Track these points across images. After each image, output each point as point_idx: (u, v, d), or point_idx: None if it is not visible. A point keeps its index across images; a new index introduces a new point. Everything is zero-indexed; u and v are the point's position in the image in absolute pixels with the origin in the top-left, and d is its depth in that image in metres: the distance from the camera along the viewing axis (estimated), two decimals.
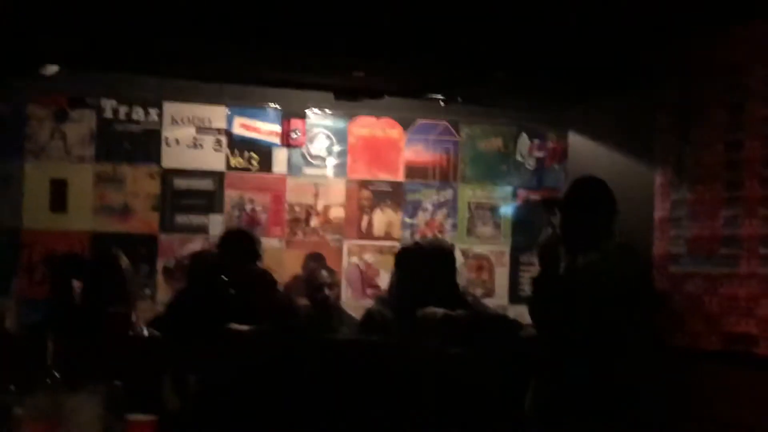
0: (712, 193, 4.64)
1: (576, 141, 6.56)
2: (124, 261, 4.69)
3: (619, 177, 4.84)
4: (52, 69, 5.76)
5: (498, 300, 6.96)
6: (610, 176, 4.57)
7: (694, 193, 4.75)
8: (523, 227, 7.00)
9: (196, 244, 6.43)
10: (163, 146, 6.44)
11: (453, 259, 4.65)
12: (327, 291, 5.60)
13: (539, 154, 7.12)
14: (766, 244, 4.26)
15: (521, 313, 5.17)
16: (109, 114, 6.34)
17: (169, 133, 6.45)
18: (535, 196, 7.01)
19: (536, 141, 7.11)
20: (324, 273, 5.76)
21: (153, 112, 6.42)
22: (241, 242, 5.19)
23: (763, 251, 4.26)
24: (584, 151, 6.29)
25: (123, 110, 6.37)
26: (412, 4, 4.36)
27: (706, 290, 4.54)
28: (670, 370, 4.45)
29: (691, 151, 4.80)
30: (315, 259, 6.51)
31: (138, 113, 6.40)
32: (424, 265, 4.50)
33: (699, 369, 4.48)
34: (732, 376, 4.29)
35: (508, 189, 7.07)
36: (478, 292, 6.78)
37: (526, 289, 6.63)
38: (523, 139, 7.09)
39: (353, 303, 6.55)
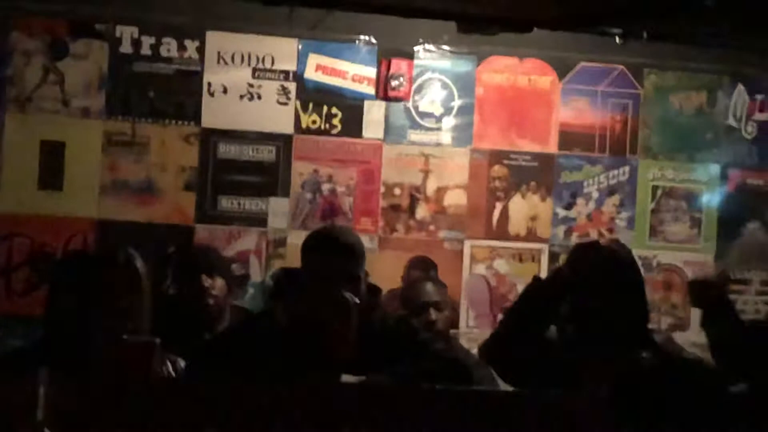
0: None
1: None
2: (139, 263, 4.69)
3: None
4: None
5: (693, 335, 6.81)
6: None
7: None
8: (735, 226, 6.98)
9: (249, 241, 6.53)
10: (205, 96, 6.53)
11: (640, 279, 4.62)
12: (435, 314, 5.54)
13: (763, 116, 7.05)
14: None
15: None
16: (127, 48, 6.44)
17: (213, 76, 6.53)
18: (755, 180, 6.96)
19: (759, 97, 7.07)
20: (433, 287, 5.73)
21: (190, 46, 6.49)
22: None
23: None
24: None
25: (147, 42, 6.45)
26: None
27: None
28: None
29: None
30: (421, 267, 6.53)
31: (169, 47, 6.47)
32: (602, 283, 4.49)
33: None
34: None
35: (715, 168, 7.05)
36: (664, 322, 6.73)
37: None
38: (740, 94, 7.03)
39: (477, 334, 6.48)
